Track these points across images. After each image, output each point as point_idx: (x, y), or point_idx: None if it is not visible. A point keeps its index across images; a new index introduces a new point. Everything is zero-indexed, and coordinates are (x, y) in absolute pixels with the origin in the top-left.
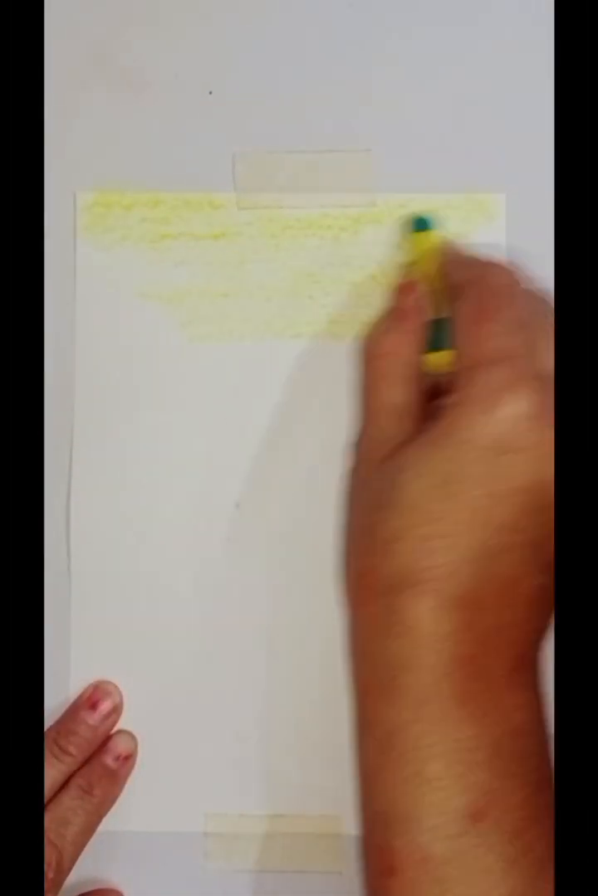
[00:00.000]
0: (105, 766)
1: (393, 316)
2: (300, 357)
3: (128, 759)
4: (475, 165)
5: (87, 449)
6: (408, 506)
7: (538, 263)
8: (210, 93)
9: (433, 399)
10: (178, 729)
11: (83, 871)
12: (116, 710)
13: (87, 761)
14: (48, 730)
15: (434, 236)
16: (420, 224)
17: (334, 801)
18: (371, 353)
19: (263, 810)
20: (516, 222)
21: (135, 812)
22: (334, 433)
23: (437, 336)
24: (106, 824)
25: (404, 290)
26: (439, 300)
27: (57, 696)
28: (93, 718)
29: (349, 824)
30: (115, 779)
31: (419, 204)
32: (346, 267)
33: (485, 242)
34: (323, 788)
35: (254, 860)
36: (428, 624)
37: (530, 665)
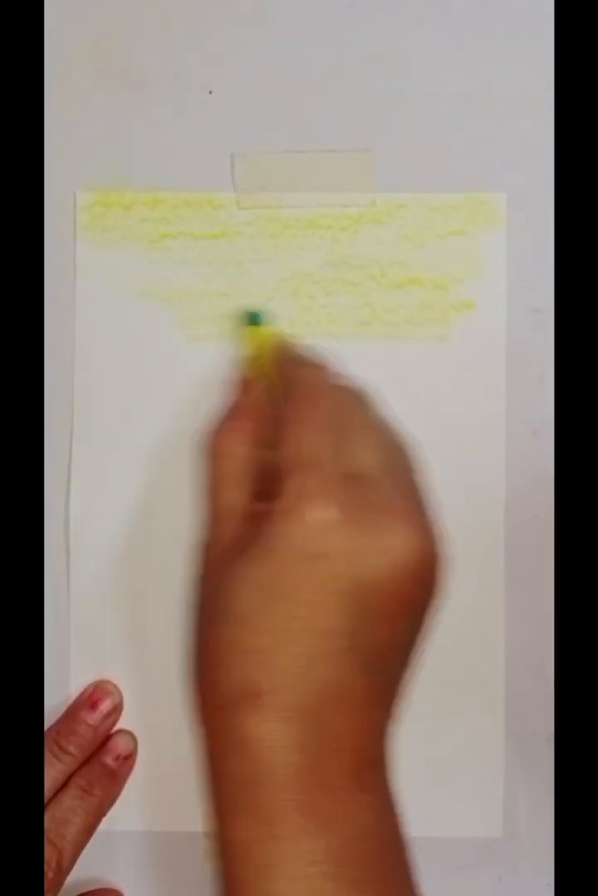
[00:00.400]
0: (105, 765)
1: (231, 413)
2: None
3: (128, 758)
4: (476, 165)
5: (87, 447)
6: (237, 618)
7: (539, 262)
8: (210, 92)
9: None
10: (178, 729)
11: (83, 870)
12: (116, 710)
13: (86, 761)
14: (48, 729)
15: (266, 331)
16: (252, 319)
17: None
18: (211, 452)
19: None
20: (516, 222)
21: (135, 812)
22: None
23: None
24: (106, 824)
25: (241, 386)
26: (276, 396)
27: (57, 695)
28: (93, 718)
29: None
30: (115, 778)
31: (420, 203)
32: (346, 267)
33: (486, 241)
34: None
35: None
36: (266, 738)
37: (372, 764)
